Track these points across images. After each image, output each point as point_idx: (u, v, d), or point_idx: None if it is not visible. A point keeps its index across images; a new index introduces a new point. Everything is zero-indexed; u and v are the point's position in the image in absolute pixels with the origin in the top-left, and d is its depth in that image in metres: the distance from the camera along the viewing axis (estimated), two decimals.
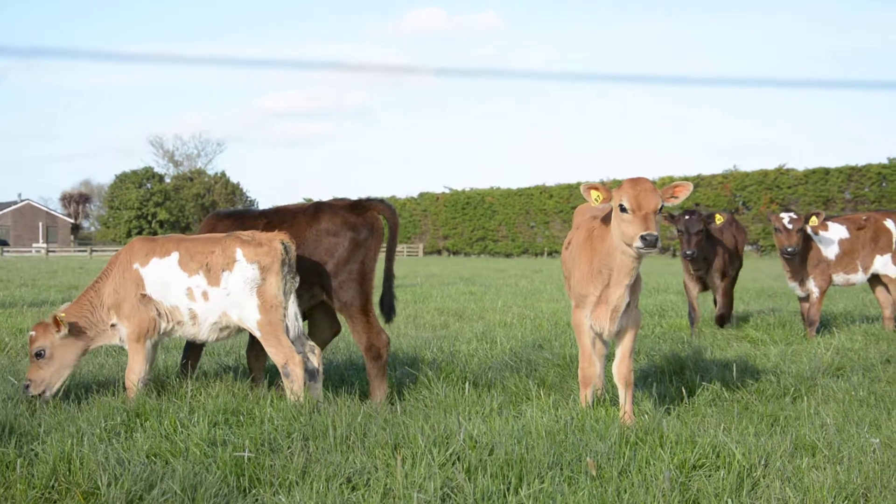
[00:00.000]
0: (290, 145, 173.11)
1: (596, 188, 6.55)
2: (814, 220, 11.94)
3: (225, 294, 7.19)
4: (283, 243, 7.24)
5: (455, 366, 8.68)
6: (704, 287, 13.34)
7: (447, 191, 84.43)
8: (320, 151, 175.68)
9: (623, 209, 6.33)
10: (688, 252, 12.42)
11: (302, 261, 7.57)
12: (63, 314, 7.28)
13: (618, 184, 6.59)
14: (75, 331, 7.33)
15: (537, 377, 8.45)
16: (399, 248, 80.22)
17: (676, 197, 6.55)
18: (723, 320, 13.19)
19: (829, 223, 12.57)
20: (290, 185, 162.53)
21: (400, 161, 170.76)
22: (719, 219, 12.21)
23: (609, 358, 7.78)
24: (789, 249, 11.86)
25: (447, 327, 13.18)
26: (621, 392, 6.84)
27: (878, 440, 5.86)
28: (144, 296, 7.29)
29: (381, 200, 8.11)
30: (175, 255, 7.30)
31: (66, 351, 7.32)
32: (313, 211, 7.93)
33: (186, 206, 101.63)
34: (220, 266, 7.18)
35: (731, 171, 69.40)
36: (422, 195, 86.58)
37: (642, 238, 6.20)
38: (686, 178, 70.26)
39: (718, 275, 13.10)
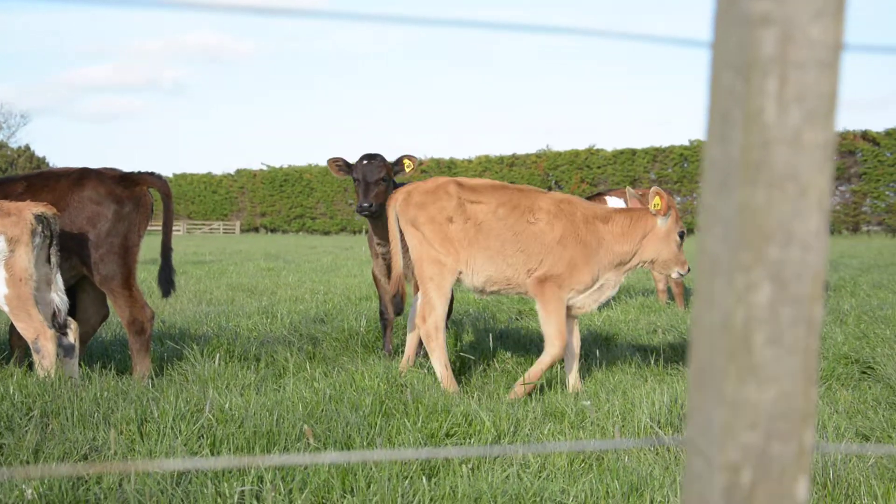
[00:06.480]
0: (103, 120, 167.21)
1: (663, 197, 6.99)
2: None
3: None
4: (40, 214, 6.87)
5: (223, 340, 8.49)
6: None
7: (265, 167, 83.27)
8: (134, 127, 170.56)
9: (681, 236, 7.11)
10: (364, 204, 8.12)
11: (62, 228, 7.21)
12: None
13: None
14: None
15: (308, 351, 8.40)
16: (216, 225, 79.38)
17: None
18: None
19: (607, 197, 13.01)
20: (102, 161, 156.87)
21: (216, 137, 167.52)
22: (408, 164, 8.34)
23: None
24: None
25: (233, 302, 12.94)
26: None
27: (589, 402, 6.10)
28: None
29: (153, 174, 7.82)
30: None
31: None
32: (78, 176, 7.53)
33: None
34: None
35: (545, 151, 71.23)
36: (239, 172, 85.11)
37: None
38: (502, 157, 71.61)
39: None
